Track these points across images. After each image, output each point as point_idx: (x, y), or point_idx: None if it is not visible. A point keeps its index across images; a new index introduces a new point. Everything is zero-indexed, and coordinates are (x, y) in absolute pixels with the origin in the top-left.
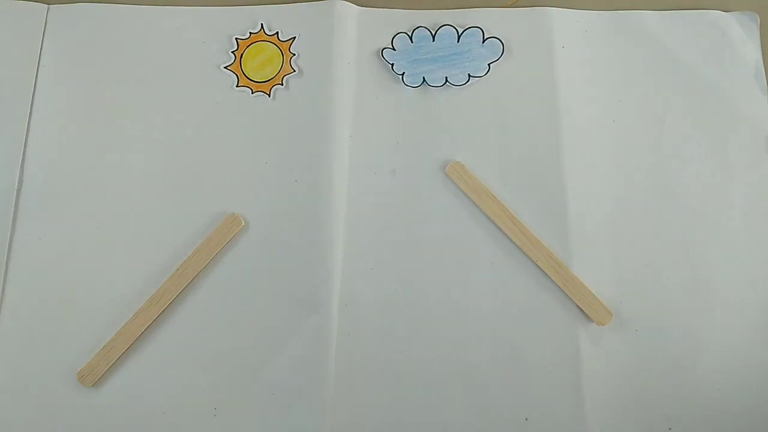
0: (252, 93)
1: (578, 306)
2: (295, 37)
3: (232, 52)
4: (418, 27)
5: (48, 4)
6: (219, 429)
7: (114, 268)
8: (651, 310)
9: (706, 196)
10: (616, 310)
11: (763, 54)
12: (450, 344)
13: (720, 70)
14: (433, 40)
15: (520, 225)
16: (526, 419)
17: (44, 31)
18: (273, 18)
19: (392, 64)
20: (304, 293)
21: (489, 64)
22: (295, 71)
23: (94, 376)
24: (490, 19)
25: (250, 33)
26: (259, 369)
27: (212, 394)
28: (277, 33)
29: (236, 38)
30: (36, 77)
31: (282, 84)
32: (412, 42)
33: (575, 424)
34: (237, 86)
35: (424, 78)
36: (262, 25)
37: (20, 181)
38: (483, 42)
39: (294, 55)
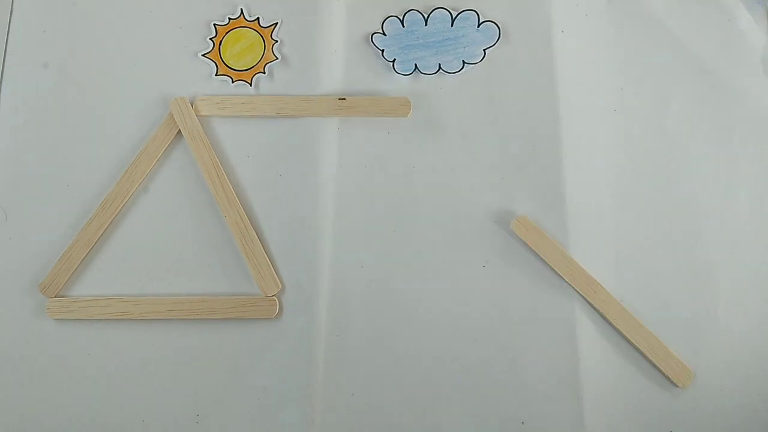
0: (232, 82)
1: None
2: (277, 23)
3: (211, 38)
4: (409, 10)
5: None
6: None
7: None
8: (651, 307)
9: (711, 187)
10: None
11: None
12: (443, 345)
13: (726, 56)
14: (426, 24)
15: (598, 287)
16: (523, 423)
17: (10, 19)
18: (253, 2)
19: (382, 51)
20: (291, 293)
21: (484, 50)
22: (277, 59)
23: (55, 287)
24: (485, 1)
25: (229, 18)
26: (243, 373)
27: (194, 400)
28: (258, 18)
29: (214, 24)
30: (2, 67)
31: (264, 72)
32: (403, 26)
33: (573, 428)
34: (216, 75)
35: (416, 65)
36: (241, 10)
37: None
38: (478, 26)
39: (276, 41)
